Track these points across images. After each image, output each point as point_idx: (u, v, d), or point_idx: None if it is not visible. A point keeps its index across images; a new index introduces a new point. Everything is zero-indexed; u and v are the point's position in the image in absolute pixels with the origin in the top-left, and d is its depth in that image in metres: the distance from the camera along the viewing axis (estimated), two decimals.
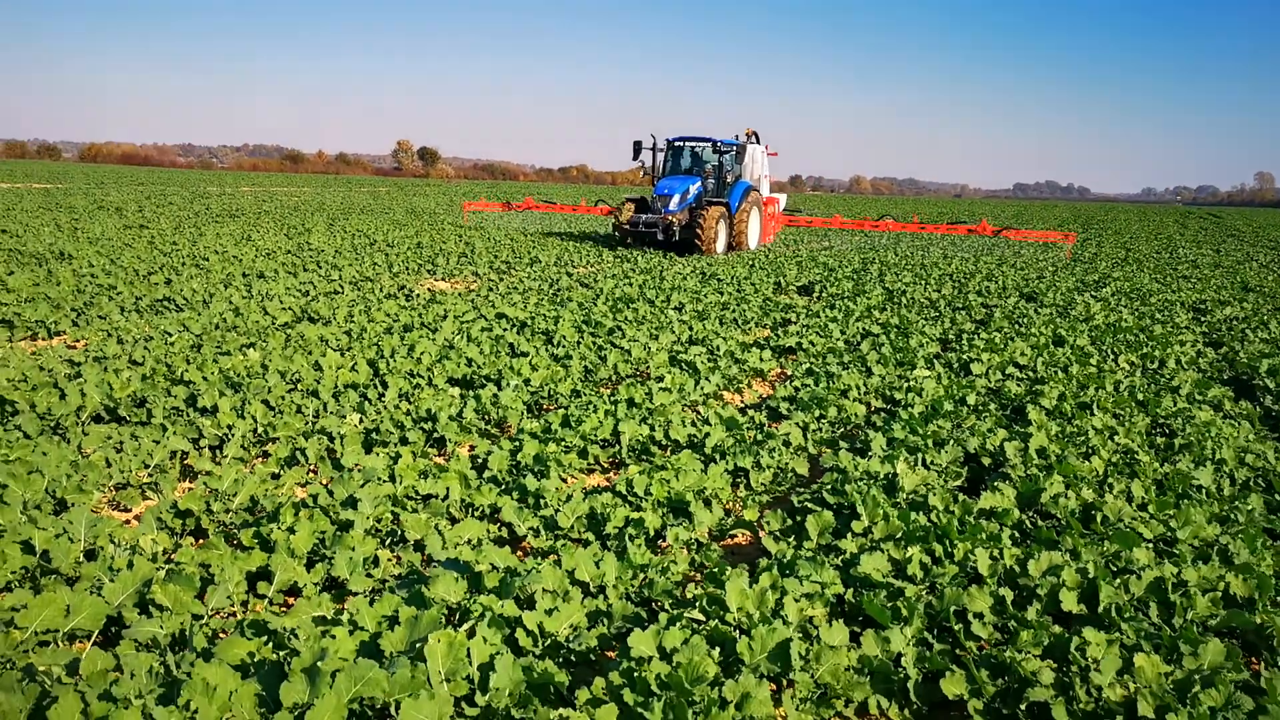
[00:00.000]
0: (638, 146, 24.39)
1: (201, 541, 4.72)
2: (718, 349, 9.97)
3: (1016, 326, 12.20)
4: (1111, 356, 10.21)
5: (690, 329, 11.11)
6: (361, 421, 6.85)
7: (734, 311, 12.84)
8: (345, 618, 3.59)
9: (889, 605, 3.99)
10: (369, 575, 4.37)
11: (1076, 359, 9.66)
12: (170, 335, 9.33)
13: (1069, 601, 4.06)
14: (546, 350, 9.45)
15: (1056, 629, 3.86)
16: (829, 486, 5.43)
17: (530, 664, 3.43)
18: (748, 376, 9.31)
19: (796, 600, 3.94)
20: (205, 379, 7.50)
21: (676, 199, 22.83)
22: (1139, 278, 19.47)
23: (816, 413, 7.50)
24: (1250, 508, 5.45)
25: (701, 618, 3.88)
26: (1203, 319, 13.81)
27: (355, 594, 4.25)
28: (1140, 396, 8.07)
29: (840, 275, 18.05)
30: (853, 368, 9.21)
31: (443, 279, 16.29)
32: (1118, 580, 4.25)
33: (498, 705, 3.26)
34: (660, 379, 8.45)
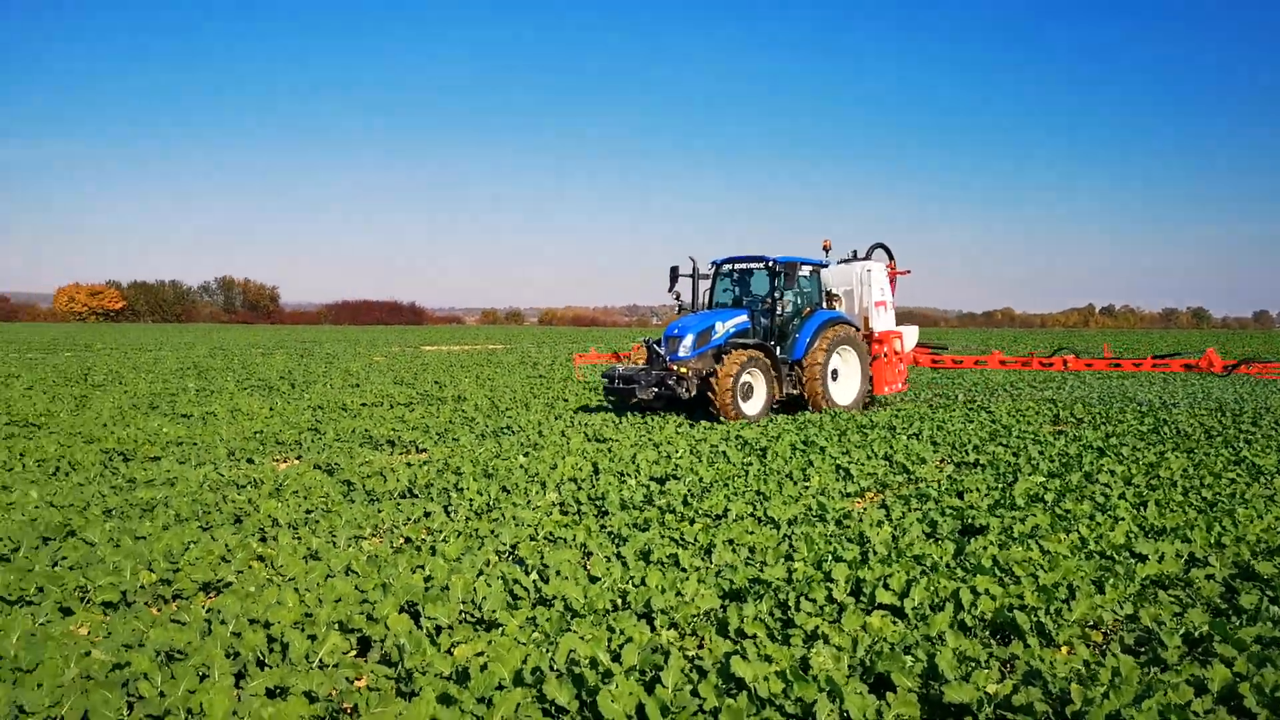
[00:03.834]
0: (674, 274, 18.83)
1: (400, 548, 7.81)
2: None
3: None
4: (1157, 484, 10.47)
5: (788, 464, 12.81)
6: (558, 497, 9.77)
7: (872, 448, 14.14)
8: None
9: (759, 590, 6.20)
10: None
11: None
12: (479, 450, 12.93)
13: (883, 595, 6.03)
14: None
15: (857, 609, 5.86)
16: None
17: (524, 598, 6.09)
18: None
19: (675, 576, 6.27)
20: (473, 473, 10.84)
21: (690, 340, 17.10)
22: None
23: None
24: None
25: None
26: None
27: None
28: (1065, 509, 8.93)
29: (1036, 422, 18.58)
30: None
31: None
32: (930, 586, 6.12)
33: (487, 616, 5.93)
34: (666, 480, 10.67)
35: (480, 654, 5.24)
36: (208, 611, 5.89)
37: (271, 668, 5.09)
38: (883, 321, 20.06)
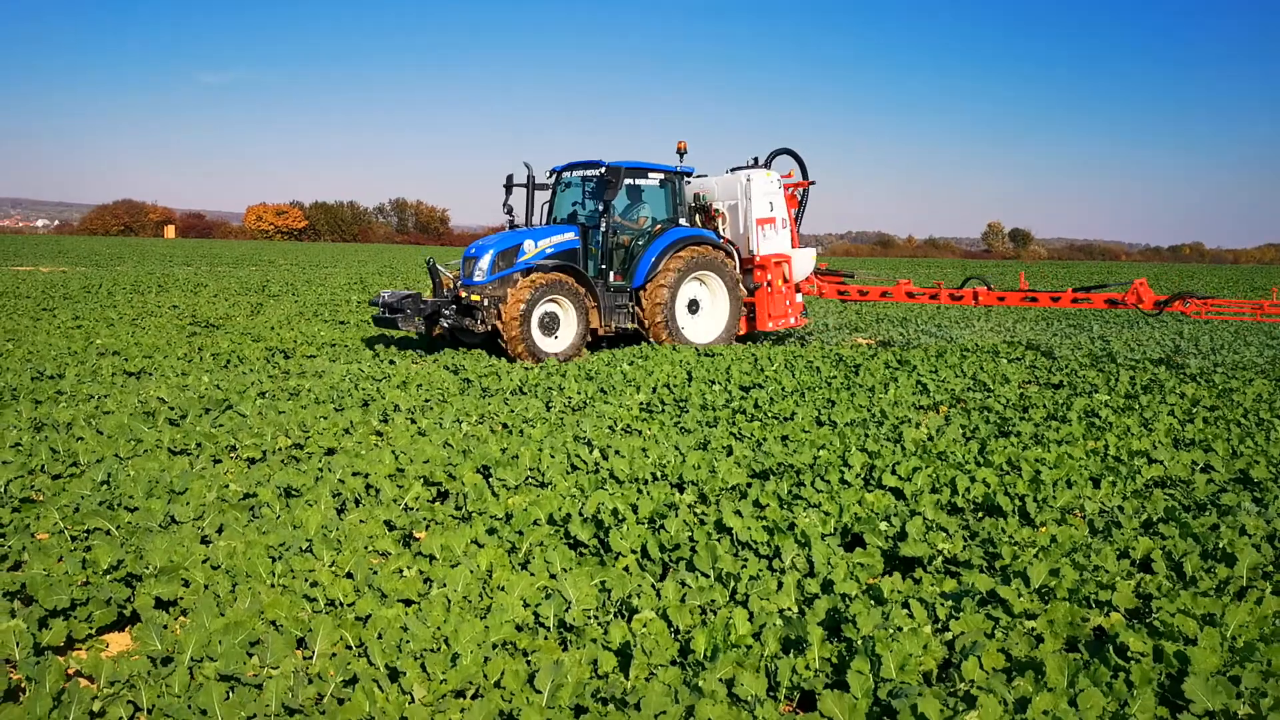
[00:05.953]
0: (509, 184, 15.90)
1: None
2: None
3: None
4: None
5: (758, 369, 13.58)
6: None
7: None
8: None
9: (783, 471, 7.16)
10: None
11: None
12: (592, 357, 14.13)
13: (889, 480, 6.91)
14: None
15: (863, 489, 6.76)
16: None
17: (581, 469, 7.23)
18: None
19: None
20: (577, 376, 12.04)
21: (487, 261, 14.23)
22: None
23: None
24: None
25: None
26: None
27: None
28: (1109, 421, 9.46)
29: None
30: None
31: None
32: (933, 474, 6.95)
33: (546, 479, 7.09)
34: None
35: (526, 502, 6.40)
36: (321, 465, 7.27)
37: (365, 506, 6.39)
38: (771, 244, 16.51)
